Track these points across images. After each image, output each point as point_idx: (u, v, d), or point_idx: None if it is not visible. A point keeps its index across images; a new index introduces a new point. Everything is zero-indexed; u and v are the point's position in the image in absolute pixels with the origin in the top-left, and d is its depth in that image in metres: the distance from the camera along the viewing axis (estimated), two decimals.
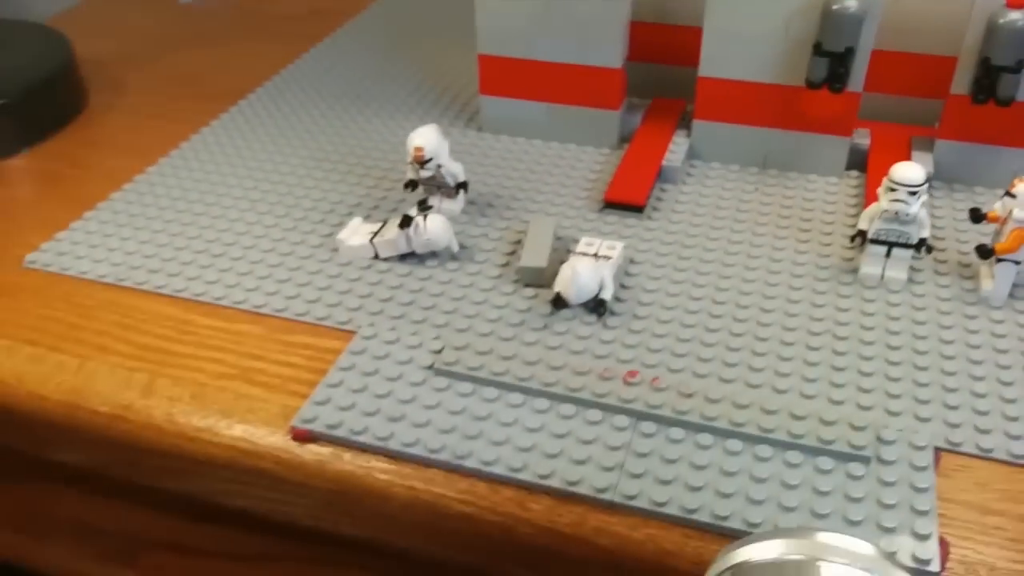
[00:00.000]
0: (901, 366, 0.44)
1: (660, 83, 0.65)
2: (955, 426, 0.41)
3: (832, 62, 0.53)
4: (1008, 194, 0.47)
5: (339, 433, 0.41)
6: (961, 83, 0.54)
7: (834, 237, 0.53)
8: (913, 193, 0.47)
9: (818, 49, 0.53)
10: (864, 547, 0.28)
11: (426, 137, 0.52)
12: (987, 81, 0.52)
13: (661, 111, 0.64)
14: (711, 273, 0.51)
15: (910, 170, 0.47)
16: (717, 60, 0.57)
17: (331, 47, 0.79)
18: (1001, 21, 0.51)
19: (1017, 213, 0.46)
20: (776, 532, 0.29)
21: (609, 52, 0.59)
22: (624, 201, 0.56)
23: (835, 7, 0.52)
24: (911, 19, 0.58)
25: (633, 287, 0.50)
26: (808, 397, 0.42)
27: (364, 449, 0.40)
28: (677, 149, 0.60)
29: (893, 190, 0.47)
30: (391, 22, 0.84)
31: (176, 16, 0.87)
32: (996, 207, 0.48)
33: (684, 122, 0.62)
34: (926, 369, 0.44)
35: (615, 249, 0.51)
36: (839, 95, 0.55)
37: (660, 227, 0.55)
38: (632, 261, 0.52)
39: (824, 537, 0.29)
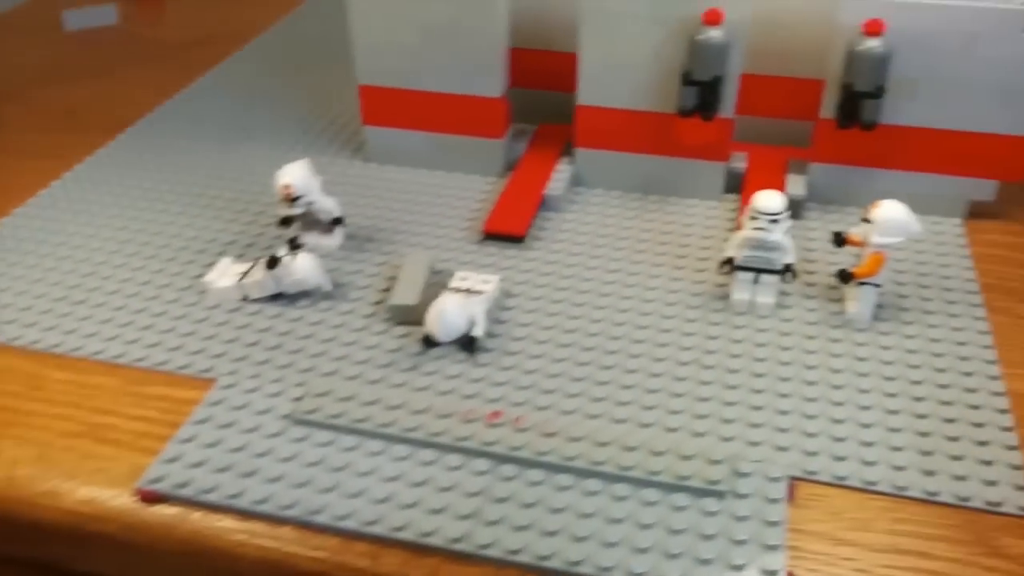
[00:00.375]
0: (764, 394, 0.44)
1: (548, 108, 0.65)
2: (812, 454, 0.41)
3: (701, 91, 0.54)
4: (865, 219, 0.48)
5: (187, 492, 0.39)
6: (828, 108, 0.55)
7: (709, 263, 0.54)
8: (774, 221, 0.47)
9: (687, 78, 0.53)
10: None
11: (294, 174, 0.51)
12: (850, 106, 0.53)
13: (547, 138, 0.64)
14: (586, 304, 0.51)
15: (770, 199, 0.47)
16: (593, 88, 0.57)
17: (220, 75, 0.77)
18: (859, 48, 0.51)
19: (875, 238, 0.47)
20: None
21: (489, 81, 0.59)
22: (503, 232, 0.56)
23: (699, 38, 0.52)
24: (784, 44, 0.59)
25: (508, 321, 0.49)
26: (671, 430, 0.42)
27: (214, 508, 0.39)
28: (560, 177, 0.60)
29: (755, 219, 0.47)
30: (284, 49, 0.83)
31: (61, 45, 0.85)
32: (854, 231, 0.49)
33: (569, 149, 0.62)
34: (788, 396, 0.44)
35: (489, 283, 0.50)
36: (711, 122, 0.55)
37: (540, 257, 0.55)
38: (509, 294, 0.51)
39: None
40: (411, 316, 0.49)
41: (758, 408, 0.44)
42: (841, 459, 0.41)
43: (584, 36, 0.55)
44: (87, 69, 0.80)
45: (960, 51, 0.52)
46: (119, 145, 0.67)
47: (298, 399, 0.44)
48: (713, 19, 0.52)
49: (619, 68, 0.56)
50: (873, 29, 0.51)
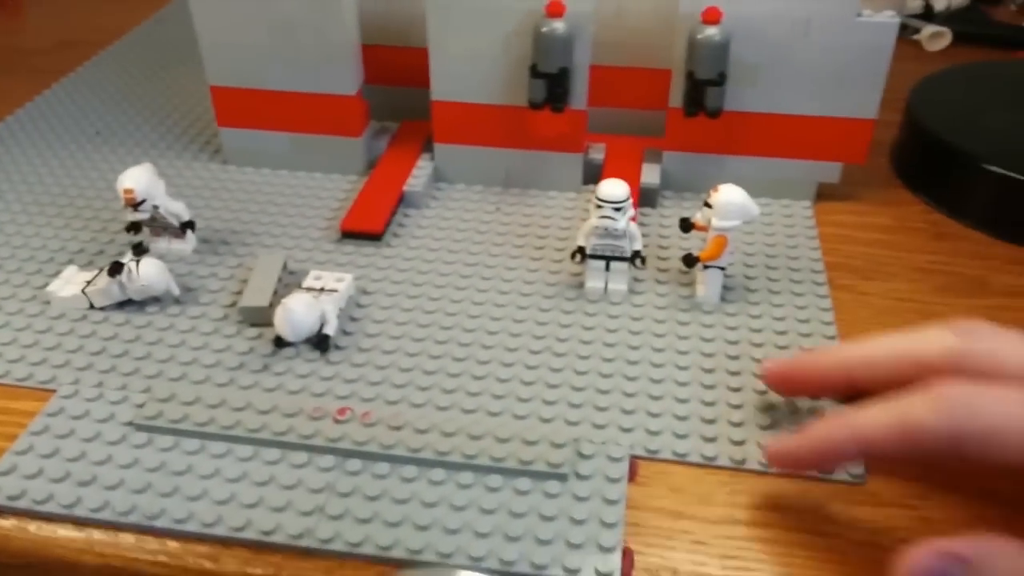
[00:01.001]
0: (611, 378, 0.45)
1: (411, 105, 0.65)
2: (655, 434, 0.42)
3: (549, 83, 0.54)
4: (706, 204, 0.49)
5: (21, 504, 0.38)
6: (676, 96, 0.57)
7: (566, 253, 0.54)
8: (618, 209, 0.48)
9: (534, 71, 0.54)
10: None
11: (136, 178, 0.50)
12: (695, 94, 0.55)
13: (408, 135, 0.64)
14: (442, 298, 0.51)
15: (613, 187, 0.48)
16: (446, 83, 0.57)
17: (78, 81, 0.75)
18: (699, 36, 0.53)
19: (715, 222, 0.49)
20: (423, 573, 0.29)
21: (342, 79, 0.58)
22: (360, 230, 0.55)
23: (543, 30, 0.53)
24: (632, 36, 0.60)
25: (362, 319, 0.49)
26: (519, 417, 0.43)
27: (50, 518, 0.38)
28: (420, 173, 0.60)
29: (600, 207, 0.48)
30: (146, 52, 0.81)
31: None
32: (698, 216, 0.50)
33: (430, 145, 0.62)
34: (635, 379, 0.45)
35: (343, 281, 0.50)
36: (562, 114, 0.56)
37: (397, 254, 0.55)
38: (364, 292, 0.51)
39: None
40: (263, 318, 0.48)
41: (605, 392, 0.45)
42: (683, 437, 0.42)
43: (432, 30, 0.55)
44: None
45: (796, 37, 0.54)
46: None
47: (140, 405, 0.43)
48: (556, 11, 0.52)
49: (469, 62, 0.56)
50: (711, 17, 0.53)
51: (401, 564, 0.36)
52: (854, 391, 0.40)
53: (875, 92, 0.55)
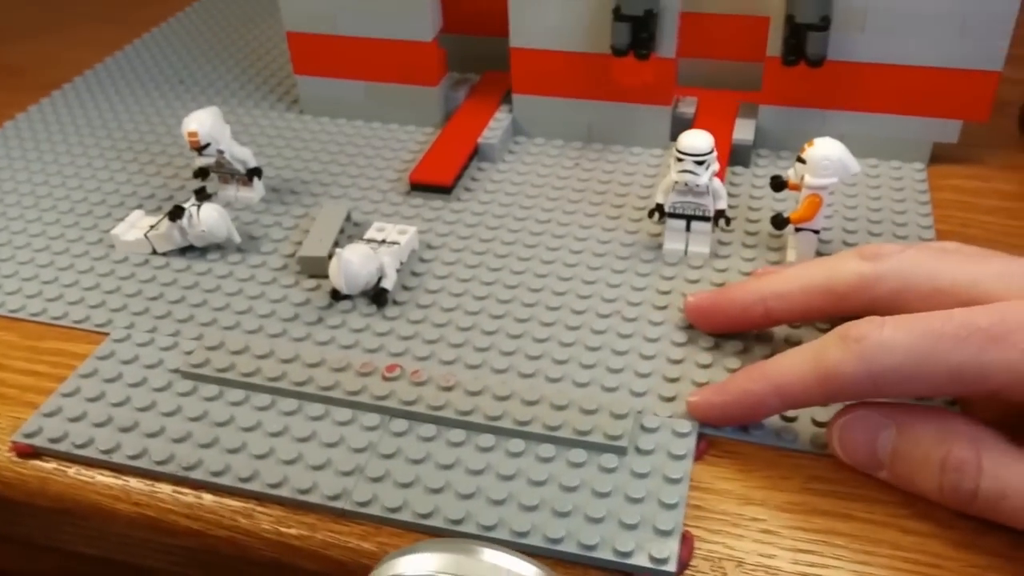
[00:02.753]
0: (684, 347, 0.42)
1: (491, 56, 0.62)
2: None
3: (634, 27, 0.50)
4: (799, 159, 0.44)
5: (62, 447, 0.37)
6: (775, 45, 0.52)
7: (645, 213, 0.50)
8: (700, 162, 0.44)
9: (618, 13, 0.50)
10: (527, 570, 0.26)
11: (200, 120, 0.49)
12: (795, 41, 0.50)
13: (489, 86, 0.61)
14: (509, 256, 0.48)
15: (695, 138, 0.44)
16: (525, 29, 0.54)
17: (168, 31, 0.75)
18: None
19: (809, 179, 0.44)
20: (438, 544, 0.27)
21: (418, 25, 0.56)
22: (429, 182, 0.53)
23: None
24: None
25: (424, 274, 0.47)
26: (580, 385, 0.40)
27: (89, 463, 0.37)
28: (497, 126, 0.57)
29: (680, 160, 0.44)
30: (234, 5, 0.80)
31: (6, 3, 0.83)
32: (790, 173, 0.45)
33: (509, 97, 0.59)
34: (711, 349, 0.41)
35: (405, 234, 0.48)
36: (648, 61, 0.52)
37: (466, 208, 0.52)
38: (429, 246, 0.49)
39: (488, 556, 0.26)
40: (321, 268, 0.46)
41: (676, 362, 0.41)
42: None
43: None
44: (33, 29, 0.77)
45: None
46: (51, 103, 0.64)
47: (188, 352, 0.42)
48: None
49: (549, 6, 0.52)
50: None
51: (435, 534, 0.34)
52: (771, 324, 0.41)
53: (1002, 40, 0.49)
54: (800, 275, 0.39)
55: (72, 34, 0.76)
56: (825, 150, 0.43)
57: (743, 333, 0.42)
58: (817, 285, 0.38)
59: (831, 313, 0.37)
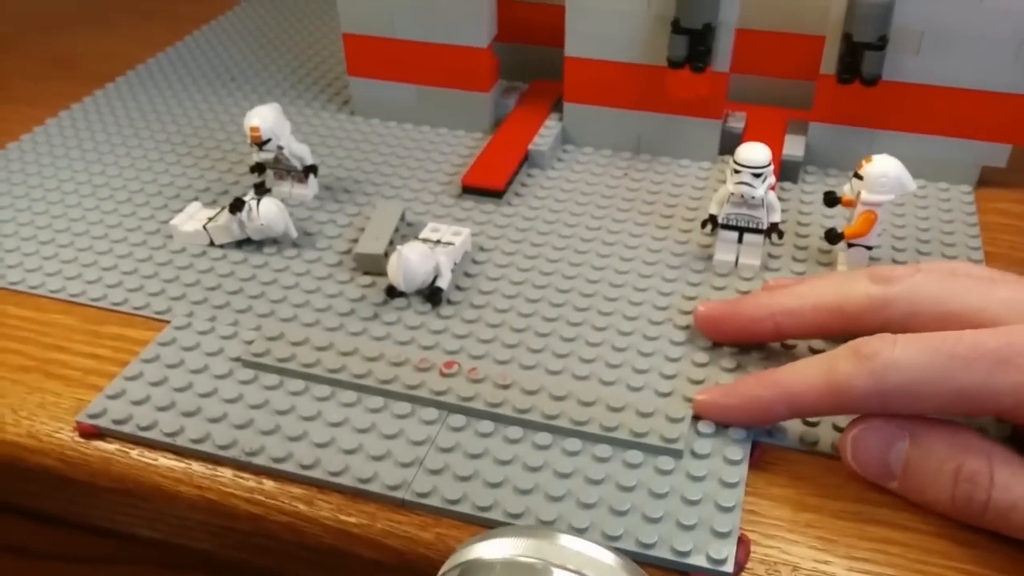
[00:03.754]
0: (737, 356, 0.42)
1: (541, 65, 0.63)
2: None
3: (692, 40, 0.51)
4: (856, 175, 0.45)
5: (126, 429, 0.38)
6: (829, 62, 0.52)
7: (695, 224, 0.51)
8: (757, 175, 0.44)
9: (676, 26, 0.51)
10: (605, 555, 0.26)
11: (263, 116, 0.50)
12: (851, 59, 0.50)
13: (538, 94, 0.62)
14: (560, 260, 0.49)
15: (753, 151, 0.44)
16: (581, 39, 0.55)
17: (218, 28, 0.76)
18: None
19: (865, 195, 0.44)
20: (517, 530, 0.28)
21: (474, 31, 0.57)
22: (482, 186, 0.54)
23: None
24: None
25: (477, 275, 0.48)
26: (634, 389, 0.40)
27: (152, 445, 0.38)
28: (547, 133, 0.58)
29: (737, 172, 0.45)
30: (286, 3, 0.81)
31: None
32: (845, 189, 0.46)
33: (559, 106, 0.60)
34: (763, 360, 0.42)
35: (459, 235, 0.48)
36: (703, 75, 0.53)
37: (517, 213, 0.52)
38: (481, 248, 0.50)
39: (565, 540, 0.27)
40: (377, 266, 0.47)
41: (729, 370, 0.41)
42: (812, 425, 0.39)
43: None
44: (89, 22, 0.79)
45: (968, 1, 0.49)
46: (107, 94, 0.66)
47: (249, 342, 0.42)
48: None
49: (607, 17, 0.53)
50: None
51: (497, 526, 0.34)
52: (780, 339, 0.41)
53: None
54: (811, 293, 0.39)
55: (119, 28, 0.78)
56: (883, 167, 0.44)
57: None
58: (828, 305, 0.38)
59: (841, 332, 0.37)
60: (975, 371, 0.32)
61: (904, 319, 0.36)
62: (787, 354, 0.42)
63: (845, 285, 0.38)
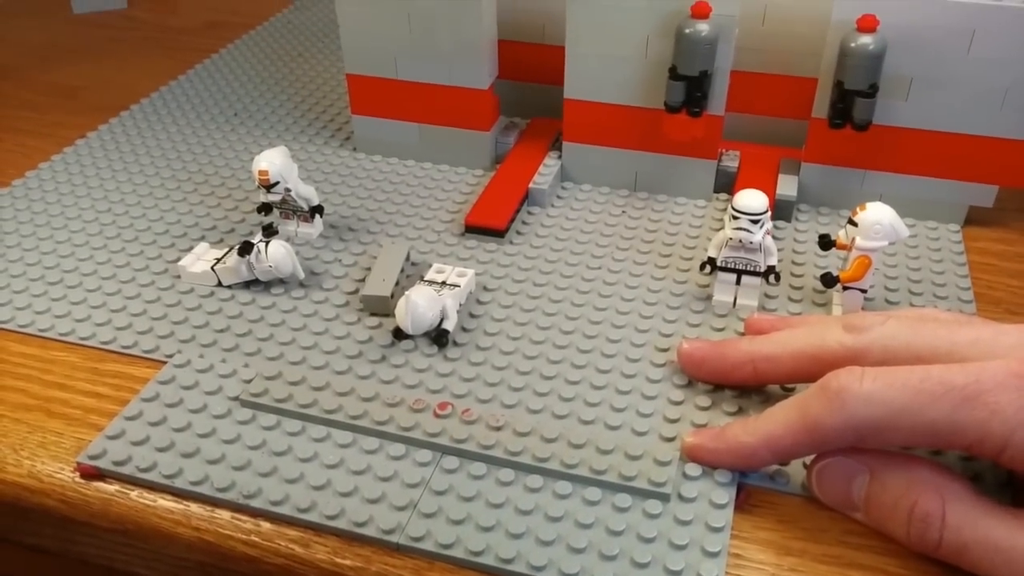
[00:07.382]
0: (739, 398, 0.43)
1: (540, 103, 0.64)
2: None
3: (689, 86, 0.52)
4: (851, 222, 0.46)
5: (125, 470, 0.39)
6: (821, 107, 0.53)
7: (694, 263, 0.52)
8: (755, 221, 0.45)
9: (674, 73, 0.52)
10: None
11: (271, 160, 0.51)
12: (842, 106, 0.51)
13: (538, 132, 0.63)
14: (563, 301, 0.49)
15: (752, 198, 0.45)
16: (581, 82, 0.56)
17: (220, 62, 0.78)
18: (853, 44, 0.50)
19: (860, 241, 0.45)
20: None
21: (476, 73, 0.58)
22: (484, 225, 0.55)
23: (687, 31, 0.51)
24: (779, 41, 0.57)
25: (482, 316, 0.48)
26: (640, 434, 0.41)
27: (151, 487, 0.39)
28: (547, 171, 0.59)
29: (736, 218, 0.46)
30: (286, 38, 0.83)
31: (67, 26, 0.86)
32: (840, 234, 0.47)
33: (558, 143, 0.61)
34: (763, 403, 0.42)
35: (464, 276, 0.49)
36: (699, 118, 0.53)
37: (520, 252, 0.53)
38: (485, 288, 0.50)
39: None
40: (384, 307, 0.48)
41: (731, 413, 0.42)
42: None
43: (571, 28, 0.54)
44: (90, 52, 0.80)
45: (956, 50, 0.50)
46: (111, 128, 0.67)
47: (247, 381, 0.43)
48: (701, 12, 0.50)
49: (606, 61, 0.54)
50: (867, 25, 0.49)
51: (486, 572, 0.35)
52: (759, 383, 0.43)
53: None
54: (789, 341, 0.41)
55: (120, 58, 0.79)
56: (877, 215, 0.44)
57: None
58: (805, 353, 0.40)
59: (817, 377, 0.38)
60: (941, 407, 0.33)
61: (878, 365, 0.37)
62: (759, 392, 0.43)
63: (821, 335, 0.39)
